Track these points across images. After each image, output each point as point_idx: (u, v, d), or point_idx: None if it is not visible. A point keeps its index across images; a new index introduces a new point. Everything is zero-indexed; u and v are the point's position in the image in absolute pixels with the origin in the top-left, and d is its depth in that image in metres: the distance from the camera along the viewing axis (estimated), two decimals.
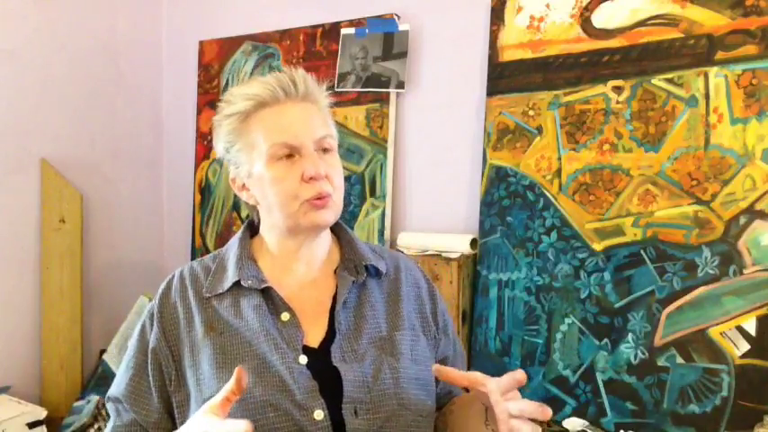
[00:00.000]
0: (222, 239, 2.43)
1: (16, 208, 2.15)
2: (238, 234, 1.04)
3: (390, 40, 2.08)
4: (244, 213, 2.38)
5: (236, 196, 2.25)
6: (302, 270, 0.99)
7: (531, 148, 1.84)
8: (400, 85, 2.06)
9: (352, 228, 1.85)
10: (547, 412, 0.74)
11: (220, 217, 2.46)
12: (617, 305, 1.69)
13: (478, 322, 1.87)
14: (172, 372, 0.94)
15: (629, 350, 1.66)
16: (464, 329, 1.86)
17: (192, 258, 2.51)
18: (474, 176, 1.97)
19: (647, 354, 1.64)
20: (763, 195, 1.55)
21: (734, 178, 1.58)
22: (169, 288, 1.00)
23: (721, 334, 1.56)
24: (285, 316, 0.94)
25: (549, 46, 1.82)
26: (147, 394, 0.94)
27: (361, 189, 2.13)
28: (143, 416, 0.94)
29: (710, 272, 1.59)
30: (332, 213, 0.95)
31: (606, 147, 1.73)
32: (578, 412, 1.70)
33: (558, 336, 1.75)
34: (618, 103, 1.72)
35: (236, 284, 0.96)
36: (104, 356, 2.22)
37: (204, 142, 2.52)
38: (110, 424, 0.98)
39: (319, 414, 0.86)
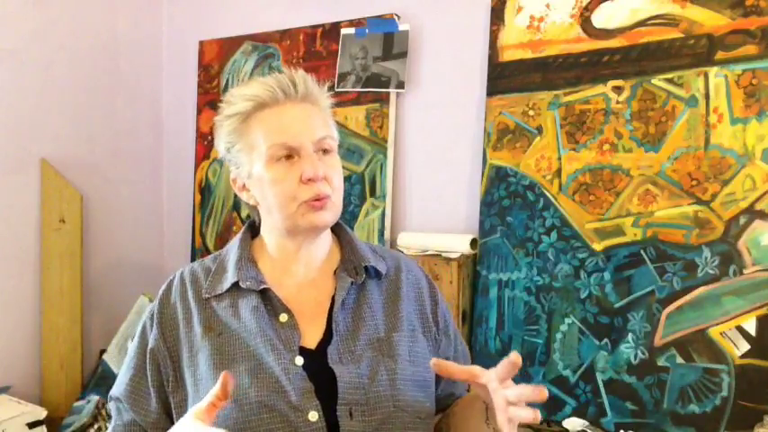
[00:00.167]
0: (222, 239, 2.44)
1: (16, 208, 2.15)
2: (239, 235, 1.04)
3: (390, 40, 2.08)
4: (244, 213, 2.38)
5: (236, 196, 2.25)
6: (302, 271, 0.99)
7: (531, 148, 1.84)
8: (400, 85, 2.06)
9: (352, 228, 1.85)
10: (543, 393, 0.73)
11: (220, 217, 2.46)
12: (617, 305, 1.69)
13: (478, 322, 1.87)
14: (170, 372, 0.94)
15: (629, 350, 1.66)
16: (464, 329, 1.86)
17: (192, 258, 2.51)
18: (474, 176, 1.97)
19: (647, 354, 1.64)
20: (763, 195, 1.55)
21: (734, 178, 1.58)
22: (170, 289, 1.00)
23: (721, 334, 1.56)
24: (283, 317, 0.94)
25: (548, 46, 1.82)
26: (146, 395, 0.95)
27: (361, 189, 2.13)
28: (142, 416, 0.94)
29: (710, 272, 1.59)
30: (330, 214, 0.94)
31: (606, 147, 1.73)
32: (578, 412, 1.70)
33: (558, 336, 1.75)
34: (618, 103, 1.72)
35: (236, 285, 0.96)
36: (104, 356, 2.22)
37: (204, 142, 2.52)
38: (111, 423, 0.98)
39: (314, 415, 0.86)
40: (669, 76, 1.67)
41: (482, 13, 1.95)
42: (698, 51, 1.63)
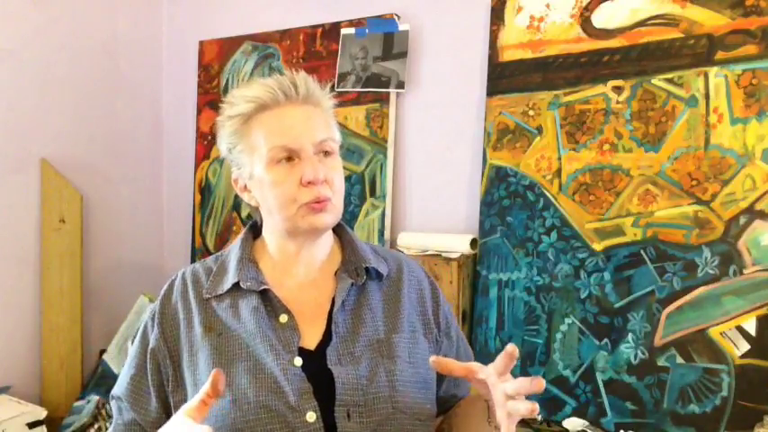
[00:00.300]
0: (222, 239, 2.44)
1: (16, 208, 2.15)
2: (241, 235, 1.04)
3: (390, 40, 2.08)
4: (244, 213, 2.38)
5: (236, 196, 2.26)
6: (302, 272, 0.99)
7: (531, 148, 1.84)
8: (400, 85, 2.06)
9: (352, 228, 1.85)
10: (540, 383, 0.73)
11: (220, 217, 2.46)
12: (617, 305, 1.69)
13: (478, 322, 1.87)
14: (170, 372, 0.94)
15: (629, 350, 1.66)
16: (464, 329, 1.86)
17: (192, 258, 2.51)
18: (474, 176, 1.97)
19: (647, 354, 1.64)
20: (763, 195, 1.55)
21: (734, 178, 1.58)
22: (171, 288, 1.01)
23: (721, 334, 1.56)
24: (283, 318, 0.94)
25: (548, 46, 1.82)
26: (147, 394, 0.95)
27: (361, 189, 2.13)
28: (142, 415, 0.95)
29: (710, 272, 1.59)
30: (331, 216, 0.94)
31: (606, 147, 1.73)
32: (578, 412, 1.70)
33: (558, 336, 1.75)
34: (618, 103, 1.72)
35: (236, 286, 0.96)
36: (104, 356, 2.22)
37: (204, 142, 2.52)
38: (112, 422, 0.99)
39: (312, 416, 0.86)
40: (669, 76, 1.67)
41: (482, 13, 1.95)
42: (698, 51, 1.63)
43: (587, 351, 1.71)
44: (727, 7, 1.60)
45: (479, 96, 1.95)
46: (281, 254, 0.99)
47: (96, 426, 2.02)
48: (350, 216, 2.12)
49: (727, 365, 1.55)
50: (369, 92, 2.12)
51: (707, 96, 1.62)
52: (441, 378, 0.99)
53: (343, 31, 2.17)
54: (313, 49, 2.26)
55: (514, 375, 0.79)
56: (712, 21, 1.62)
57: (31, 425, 1.90)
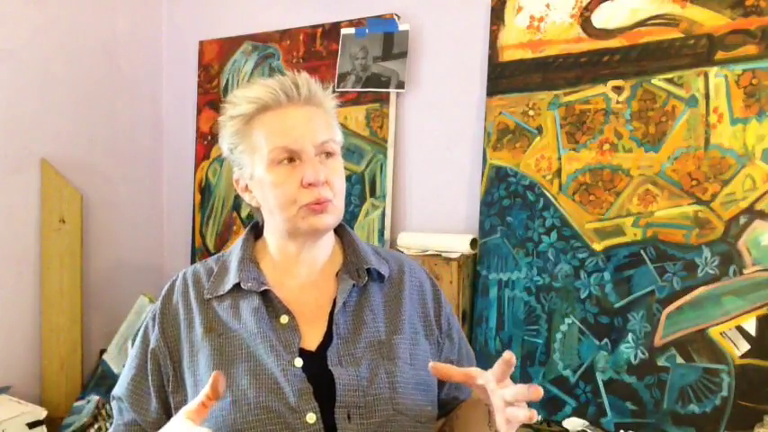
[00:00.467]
0: (222, 239, 2.44)
1: (16, 208, 2.15)
2: (242, 236, 1.04)
3: (390, 40, 2.08)
4: (244, 213, 2.38)
5: (236, 196, 2.26)
6: (303, 273, 0.99)
7: (531, 148, 1.84)
8: (400, 85, 2.06)
9: (352, 228, 1.85)
10: (538, 392, 0.73)
11: (220, 217, 2.46)
12: (617, 305, 1.69)
13: (478, 322, 1.87)
14: (170, 373, 0.94)
15: (629, 350, 1.66)
16: (464, 329, 1.86)
17: (192, 258, 2.51)
18: (474, 176, 1.97)
19: (647, 354, 1.64)
20: (763, 195, 1.55)
21: (734, 178, 1.58)
22: (172, 289, 1.01)
23: (721, 334, 1.56)
24: (284, 319, 0.94)
25: (548, 46, 1.82)
26: (147, 394, 0.95)
27: (361, 189, 2.13)
28: (142, 415, 0.95)
29: (710, 272, 1.59)
30: (331, 218, 0.94)
31: (606, 147, 1.74)
32: (578, 412, 1.70)
33: (558, 336, 1.75)
34: (618, 103, 1.72)
35: (237, 286, 0.96)
36: (104, 356, 2.22)
37: (204, 142, 2.52)
38: (113, 422, 0.99)
39: (312, 417, 0.86)
40: (669, 76, 1.67)
41: (482, 13, 1.95)
42: (698, 51, 1.63)
43: (587, 351, 1.71)
44: (727, 7, 1.60)
45: (479, 96, 1.95)
46: (283, 254, 0.99)
47: (96, 426, 2.02)
48: (350, 216, 2.12)
49: (727, 365, 1.55)
50: (369, 92, 2.12)
51: (707, 96, 1.62)
52: (442, 380, 0.99)
53: (343, 31, 2.17)
54: (313, 49, 2.26)
55: (515, 375, 0.79)
56: (712, 21, 1.62)
57: (31, 425, 1.90)
